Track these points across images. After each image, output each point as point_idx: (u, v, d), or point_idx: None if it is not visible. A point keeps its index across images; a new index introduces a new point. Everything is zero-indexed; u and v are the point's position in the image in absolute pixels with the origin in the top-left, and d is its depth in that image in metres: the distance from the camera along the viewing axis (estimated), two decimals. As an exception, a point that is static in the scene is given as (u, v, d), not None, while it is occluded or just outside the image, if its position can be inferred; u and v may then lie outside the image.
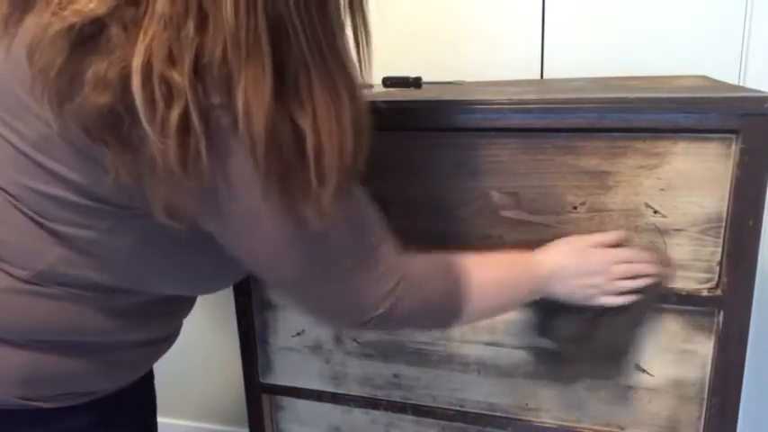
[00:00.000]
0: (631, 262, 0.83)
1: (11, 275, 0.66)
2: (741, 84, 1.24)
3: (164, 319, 0.81)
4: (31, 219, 0.65)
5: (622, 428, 0.95)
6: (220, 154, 0.57)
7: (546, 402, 0.98)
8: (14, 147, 0.63)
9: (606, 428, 0.96)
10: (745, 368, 0.87)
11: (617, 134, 0.84)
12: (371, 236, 0.69)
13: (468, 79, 1.28)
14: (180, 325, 0.87)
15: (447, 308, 0.75)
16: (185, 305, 0.85)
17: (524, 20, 1.33)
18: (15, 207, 0.65)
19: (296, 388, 1.12)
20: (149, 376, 0.89)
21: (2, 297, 0.66)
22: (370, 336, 1.04)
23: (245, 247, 0.66)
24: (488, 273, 0.78)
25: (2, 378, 0.68)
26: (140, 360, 0.81)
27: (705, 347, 0.89)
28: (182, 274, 0.73)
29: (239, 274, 0.81)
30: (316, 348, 1.08)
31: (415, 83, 1.16)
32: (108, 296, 0.70)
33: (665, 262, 0.84)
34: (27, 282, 0.66)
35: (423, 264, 0.74)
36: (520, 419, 0.99)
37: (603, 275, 0.81)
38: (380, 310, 0.69)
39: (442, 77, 1.23)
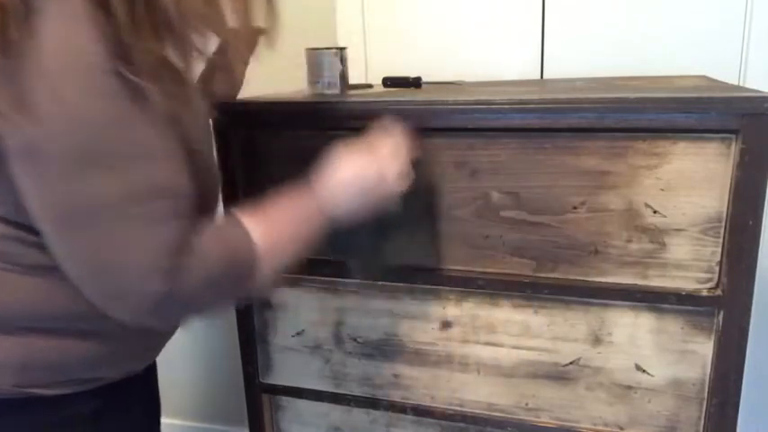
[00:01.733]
0: (396, 151, 0.82)
1: None
2: (741, 84, 1.24)
3: None
4: None
5: (622, 428, 0.95)
6: None
7: (546, 402, 0.98)
8: None
9: (606, 428, 0.96)
10: (745, 368, 0.87)
11: (617, 134, 0.84)
12: (157, 180, 0.62)
13: (468, 79, 1.28)
14: None
15: (238, 277, 0.68)
16: None
17: (524, 20, 1.33)
18: None
19: (296, 388, 1.12)
20: (152, 371, 0.89)
21: None
22: (370, 335, 1.04)
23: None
24: (276, 228, 0.73)
25: None
26: (140, 347, 0.80)
27: (705, 347, 0.89)
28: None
29: None
30: (316, 348, 1.08)
31: (415, 83, 1.17)
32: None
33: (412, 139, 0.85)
34: (7, 264, 0.66)
35: (207, 236, 0.66)
36: (520, 419, 0.99)
37: (381, 178, 0.79)
38: (162, 281, 0.61)
39: (442, 77, 1.23)
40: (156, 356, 0.87)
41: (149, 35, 0.60)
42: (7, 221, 0.65)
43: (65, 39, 0.57)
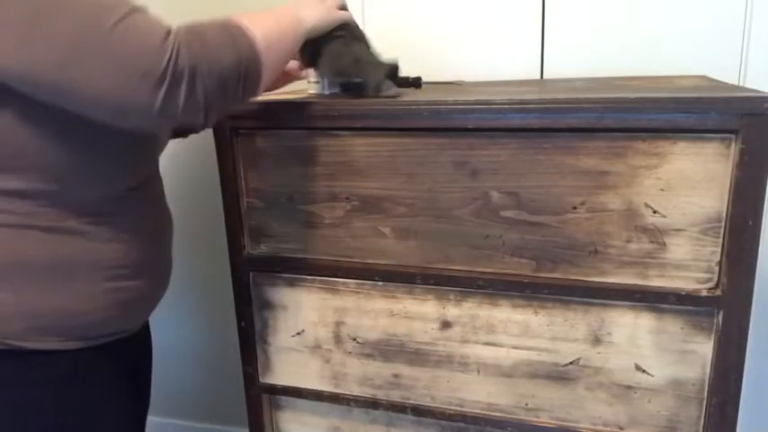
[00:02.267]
0: None
1: None
2: (741, 84, 1.24)
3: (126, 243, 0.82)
4: None
5: (622, 428, 0.95)
6: None
7: (546, 402, 0.98)
8: None
9: (606, 428, 0.96)
10: (745, 368, 0.87)
11: (617, 134, 0.84)
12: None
13: (468, 79, 1.28)
14: (156, 267, 0.89)
15: (246, 65, 0.74)
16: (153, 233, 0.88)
17: (524, 20, 1.33)
18: None
19: (296, 388, 1.12)
20: (142, 345, 0.94)
21: None
22: (370, 335, 1.04)
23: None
24: (265, 28, 0.79)
25: None
26: (117, 304, 0.82)
27: (705, 347, 0.89)
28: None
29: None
30: (316, 348, 1.08)
31: (415, 83, 1.17)
32: (38, 209, 0.73)
33: None
34: None
35: (193, 22, 0.72)
36: (520, 419, 0.99)
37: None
38: (164, 64, 0.65)
39: (442, 77, 1.24)
40: (138, 320, 0.89)
41: None
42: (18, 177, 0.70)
43: None
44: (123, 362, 0.88)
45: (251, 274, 1.08)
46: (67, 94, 0.66)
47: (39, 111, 0.68)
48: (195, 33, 0.69)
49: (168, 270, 0.94)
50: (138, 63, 0.65)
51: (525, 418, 0.99)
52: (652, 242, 0.86)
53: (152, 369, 1.03)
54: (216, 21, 0.74)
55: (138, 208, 0.84)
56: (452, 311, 0.98)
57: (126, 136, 0.75)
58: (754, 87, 0.91)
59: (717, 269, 0.85)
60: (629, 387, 0.93)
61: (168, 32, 0.67)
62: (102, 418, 0.84)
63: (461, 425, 1.03)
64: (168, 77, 0.66)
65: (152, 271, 0.87)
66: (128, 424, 0.91)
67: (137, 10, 0.67)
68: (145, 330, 0.99)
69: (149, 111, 0.67)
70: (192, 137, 1.15)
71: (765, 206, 0.81)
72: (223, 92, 0.72)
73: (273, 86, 1.09)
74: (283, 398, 1.15)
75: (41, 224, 0.73)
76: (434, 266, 0.97)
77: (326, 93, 1.07)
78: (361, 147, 0.95)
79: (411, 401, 1.05)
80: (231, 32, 0.73)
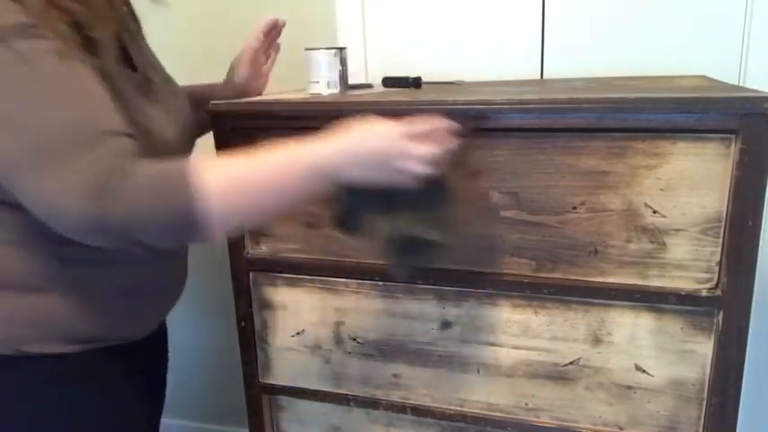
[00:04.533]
0: (423, 133, 0.77)
1: None
2: (741, 84, 1.24)
3: (128, 263, 0.80)
4: None
5: (622, 428, 0.95)
6: None
7: (546, 402, 0.98)
8: None
9: (606, 428, 0.96)
10: (745, 368, 0.87)
11: (617, 134, 0.84)
12: (98, 129, 0.65)
13: (468, 79, 1.28)
14: (165, 277, 0.88)
15: (179, 218, 0.66)
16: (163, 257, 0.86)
17: (524, 20, 1.33)
18: None
19: (296, 388, 1.12)
20: (158, 350, 0.95)
21: None
22: (370, 335, 1.04)
23: None
24: (239, 174, 0.70)
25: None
26: (125, 310, 0.82)
27: (705, 347, 0.89)
28: None
29: None
30: (315, 348, 1.08)
31: (415, 83, 1.17)
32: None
33: (452, 127, 0.80)
34: None
35: (143, 164, 0.66)
36: (520, 419, 0.99)
37: (395, 158, 0.75)
38: (83, 213, 0.63)
39: (442, 77, 1.24)
40: (151, 326, 0.89)
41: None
42: None
43: None
44: (137, 363, 0.88)
45: (251, 275, 1.08)
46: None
47: None
48: (133, 194, 0.65)
49: (183, 279, 0.93)
50: (56, 203, 0.64)
51: (525, 418, 0.99)
52: (652, 242, 0.86)
53: (167, 369, 1.03)
54: (169, 176, 0.67)
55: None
56: (452, 311, 0.98)
57: None
58: (754, 87, 0.91)
59: (717, 269, 0.85)
60: (629, 387, 0.93)
61: (105, 182, 0.63)
62: (116, 417, 0.84)
63: (461, 425, 1.03)
64: (86, 225, 0.65)
65: (167, 285, 0.87)
66: (141, 423, 0.91)
67: (101, 141, 0.65)
68: (161, 331, 0.99)
69: (64, 233, 0.67)
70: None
71: (765, 206, 0.81)
72: (141, 232, 0.68)
73: (254, 91, 1.09)
74: (283, 398, 1.15)
75: (57, 240, 0.72)
76: (434, 266, 0.97)
77: (327, 93, 1.07)
78: (361, 147, 0.95)
79: (411, 401, 1.05)
80: (171, 199, 0.66)
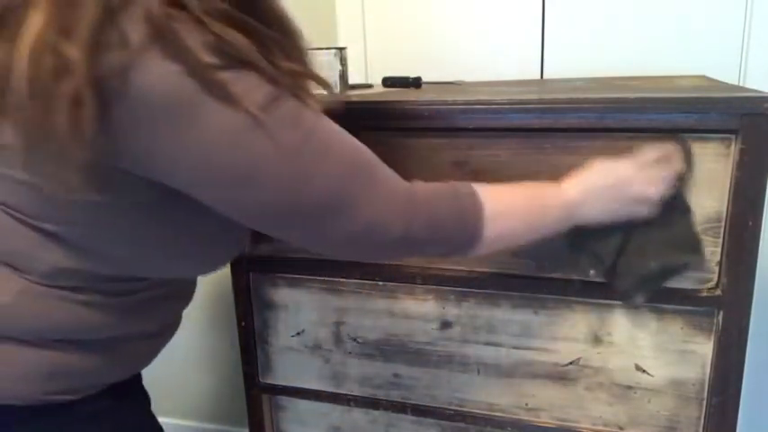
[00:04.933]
0: (657, 164, 0.80)
1: (23, 279, 0.68)
2: (741, 84, 1.24)
3: (166, 310, 0.82)
4: (24, 222, 0.66)
5: (622, 428, 0.95)
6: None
7: (546, 402, 0.98)
8: None
9: (606, 428, 0.96)
10: (745, 368, 0.87)
11: (617, 134, 0.84)
12: (370, 159, 0.68)
13: (468, 79, 1.28)
14: (180, 316, 0.88)
15: (462, 232, 0.71)
16: (185, 296, 0.86)
17: (524, 20, 1.33)
18: (7, 213, 0.66)
19: (296, 388, 1.12)
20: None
21: (17, 300, 0.68)
22: (370, 335, 1.04)
23: (235, 201, 0.64)
24: (506, 199, 0.75)
25: (26, 377, 0.70)
26: (147, 351, 0.82)
27: (705, 347, 0.89)
28: (177, 251, 0.72)
29: (234, 239, 0.77)
30: (316, 348, 1.08)
31: (415, 83, 1.17)
32: (118, 291, 0.72)
33: (687, 154, 0.81)
34: (37, 284, 0.68)
35: (431, 189, 0.71)
36: (520, 419, 0.99)
37: (633, 186, 0.78)
38: (393, 235, 0.67)
39: (441, 77, 1.24)
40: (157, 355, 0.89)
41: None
42: (87, 258, 0.68)
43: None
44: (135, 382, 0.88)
45: (251, 275, 1.08)
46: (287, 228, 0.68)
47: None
48: (428, 207, 0.69)
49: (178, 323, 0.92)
50: (369, 234, 0.67)
51: (525, 418, 0.99)
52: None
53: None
54: (454, 189, 0.72)
55: (174, 283, 0.82)
56: (452, 311, 0.98)
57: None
58: (754, 87, 0.91)
59: (717, 269, 0.85)
60: (629, 387, 0.93)
61: (405, 204, 0.67)
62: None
63: (461, 425, 1.03)
64: (388, 248, 0.69)
65: (171, 333, 0.87)
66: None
67: (378, 170, 0.68)
68: None
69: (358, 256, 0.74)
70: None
71: (765, 206, 0.81)
72: (428, 252, 0.73)
73: None
74: (283, 398, 1.15)
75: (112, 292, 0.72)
76: (434, 266, 0.97)
77: (326, 93, 1.07)
78: (361, 147, 0.95)
79: (411, 401, 1.05)
80: (462, 210, 0.71)
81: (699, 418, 0.91)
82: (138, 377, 0.89)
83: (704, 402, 0.90)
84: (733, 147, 0.80)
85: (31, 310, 0.68)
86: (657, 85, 1.04)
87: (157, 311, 0.80)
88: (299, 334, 1.08)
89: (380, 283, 1.01)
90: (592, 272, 0.87)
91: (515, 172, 0.89)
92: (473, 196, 0.71)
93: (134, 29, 0.54)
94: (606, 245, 0.82)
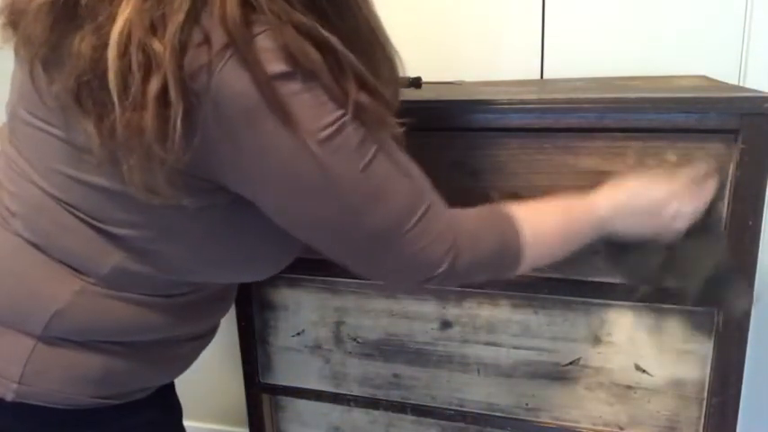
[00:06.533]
0: (691, 184, 0.79)
1: (81, 280, 0.68)
2: (741, 84, 1.24)
3: (214, 311, 0.82)
4: (89, 224, 0.65)
5: (622, 428, 0.95)
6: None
7: (546, 402, 0.98)
8: (59, 139, 0.63)
9: (606, 428, 0.96)
10: (745, 368, 0.87)
11: (617, 134, 0.84)
12: (423, 193, 0.68)
13: (468, 79, 1.28)
14: (220, 319, 0.88)
15: (504, 258, 0.72)
16: (230, 297, 0.87)
17: (524, 20, 1.33)
18: (71, 214, 0.66)
19: (296, 388, 1.12)
20: None
21: (74, 300, 0.67)
22: (370, 335, 1.04)
23: (302, 221, 0.65)
24: (542, 219, 0.75)
25: (77, 380, 0.69)
26: (192, 353, 0.83)
27: (705, 347, 0.89)
28: (241, 254, 0.72)
29: (294, 247, 0.77)
30: (316, 348, 1.08)
31: (415, 83, 1.16)
32: (171, 293, 0.72)
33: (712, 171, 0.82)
34: (95, 285, 0.68)
35: (473, 219, 0.71)
36: (520, 419, 0.99)
37: (667, 206, 0.77)
38: (440, 269, 0.67)
39: (441, 77, 1.23)
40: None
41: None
42: (149, 261, 0.68)
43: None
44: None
45: (251, 274, 1.08)
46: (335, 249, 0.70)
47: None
48: (472, 240, 0.69)
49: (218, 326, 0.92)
50: (416, 268, 0.67)
51: (525, 418, 0.99)
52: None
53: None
54: (493, 216, 0.72)
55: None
56: (452, 311, 0.98)
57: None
58: (754, 87, 0.91)
59: (717, 269, 0.85)
60: (629, 387, 0.93)
61: (452, 239, 0.67)
62: None
63: (461, 425, 1.03)
64: (434, 280, 0.68)
65: (214, 333, 0.87)
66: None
67: (430, 206, 0.67)
68: None
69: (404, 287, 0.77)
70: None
71: (765, 206, 0.81)
72: (472, 280, 0.73)
73: None
74: (283, 398, 1.15)
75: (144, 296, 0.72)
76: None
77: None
78: (361, 147, 0.95)
79: (411, 401, 1.05)
80: (504, 237, 0.71)
81: (699, 418, 0.91)
82: (173, 386, 0.88)
83: (704, 402, 0.90)
84: (733, 147, 0.80)
85: (87, 311, 0.68)
86: (657, 85, 1.04)
87: (207, 312, 0.80)
88: (299, 334, 1.08)
89: (380, 283, 1.01)
90: (629, 281, 0.87)
91: (515, 172, 0.89)
92: (511, 222, 0.71)
93: (214, 30, 0.54)
94: (648, 260, 0.82)
